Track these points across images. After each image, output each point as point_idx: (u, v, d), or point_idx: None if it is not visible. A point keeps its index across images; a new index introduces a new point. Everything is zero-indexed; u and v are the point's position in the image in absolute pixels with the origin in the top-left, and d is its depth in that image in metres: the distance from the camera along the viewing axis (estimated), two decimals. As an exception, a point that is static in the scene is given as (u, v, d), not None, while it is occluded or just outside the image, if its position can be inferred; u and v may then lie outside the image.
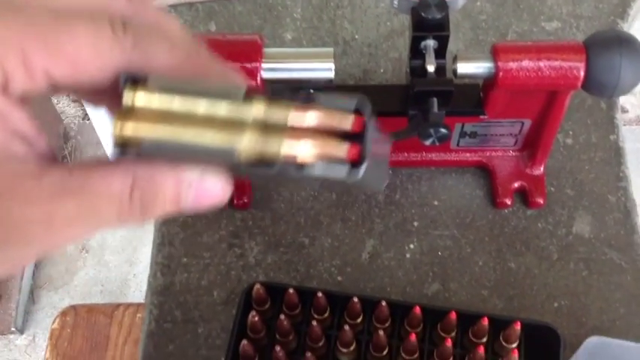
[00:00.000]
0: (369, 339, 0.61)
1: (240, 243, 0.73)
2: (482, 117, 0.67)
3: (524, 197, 0.74)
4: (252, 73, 0.60)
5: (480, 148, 0.73)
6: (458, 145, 0.73)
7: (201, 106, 0.27)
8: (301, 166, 0.27)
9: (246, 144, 0.26)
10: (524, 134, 0.71)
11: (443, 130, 0.61)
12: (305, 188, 0.75)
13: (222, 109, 0.27)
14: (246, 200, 0.73)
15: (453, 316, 0.59)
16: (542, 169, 0.73)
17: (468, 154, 0.74)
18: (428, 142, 0.62)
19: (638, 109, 2.00)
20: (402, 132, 0.64)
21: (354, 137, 0.27)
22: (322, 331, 0.60)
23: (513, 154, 0.74)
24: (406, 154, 0.74)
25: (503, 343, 0.60)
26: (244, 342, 0.57)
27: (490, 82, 0.62)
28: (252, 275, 0.71)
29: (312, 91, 0.27)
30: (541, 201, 0.72)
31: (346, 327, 0.58)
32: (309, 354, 0.57)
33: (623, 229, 0.72)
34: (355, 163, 0.27)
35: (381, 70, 0.82)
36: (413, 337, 0.58)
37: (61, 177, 0.27)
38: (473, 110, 0.67)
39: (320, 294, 0.60)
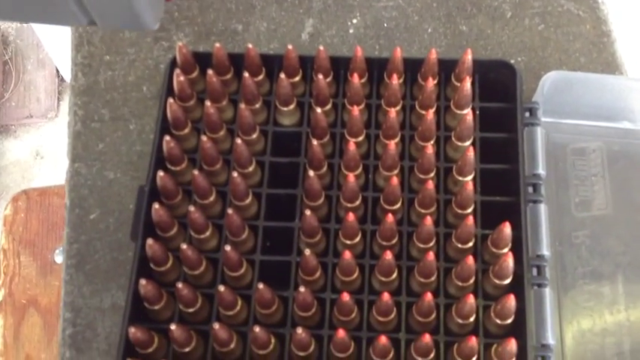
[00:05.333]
0: (310, 101, 0.56)
1: (168, 36, 0.66)
2: None
3: (471, -42, 0.68)
4: None
5: None
6: None
7: None
8: None
9: None
10: None
11: None
12: (233, -27, 0.69)
13: None
14: (169, -11, 0.66)
15: (397, 54, 0.53)
16: None
17: None
18: None
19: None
20: None
21: None
22: (257, 88, 0.54)
23: None
24: None
25: (455, 82, 0.55)
26: (170, 101, 0.52)
27: None
28: (184, 68, 0.65)
29: None
30: (489, -42, 0.67)
31: (282, 76, 0.53)
32: (243, 106, 0.52)
33: (579, -21, 0.67)
34: None
35: None
36: (355, 80, 0.53)
37: None
38: None
39: (251, 46, 0.54)
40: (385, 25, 0.66)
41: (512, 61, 0.64)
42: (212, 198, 0.53)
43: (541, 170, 0.53)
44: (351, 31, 0.66)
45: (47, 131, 1.85)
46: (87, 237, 0.59)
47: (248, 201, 0.53)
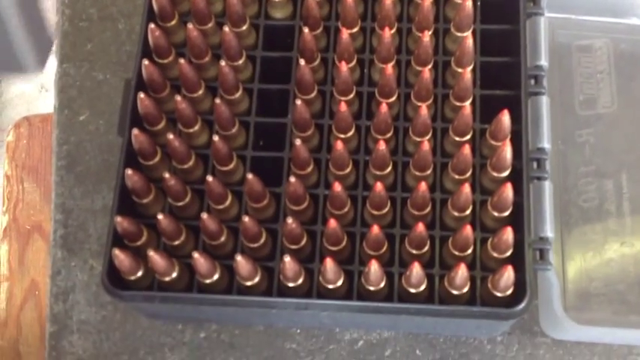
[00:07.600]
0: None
1: None
2: None
3: None
4: None
5: None
6: None
7: None
8: None
9: None
10: None
11: None
12: None
13: None
14: None
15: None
16: None
17: None
18: None
19: None
20: None
21: None
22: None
23: None
24: None
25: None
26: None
27: None
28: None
29: None
30: None
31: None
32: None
33: None
34: None
35: None
36: None
37: None
38: None
39: None
40: None
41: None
42: (201, 92, 0.51)
43: (544, 62, 0.51)
44: None
45: (52, 64, 1.82)
46: (76, 138, 0.58)
47: (238, 95, 0.51)
